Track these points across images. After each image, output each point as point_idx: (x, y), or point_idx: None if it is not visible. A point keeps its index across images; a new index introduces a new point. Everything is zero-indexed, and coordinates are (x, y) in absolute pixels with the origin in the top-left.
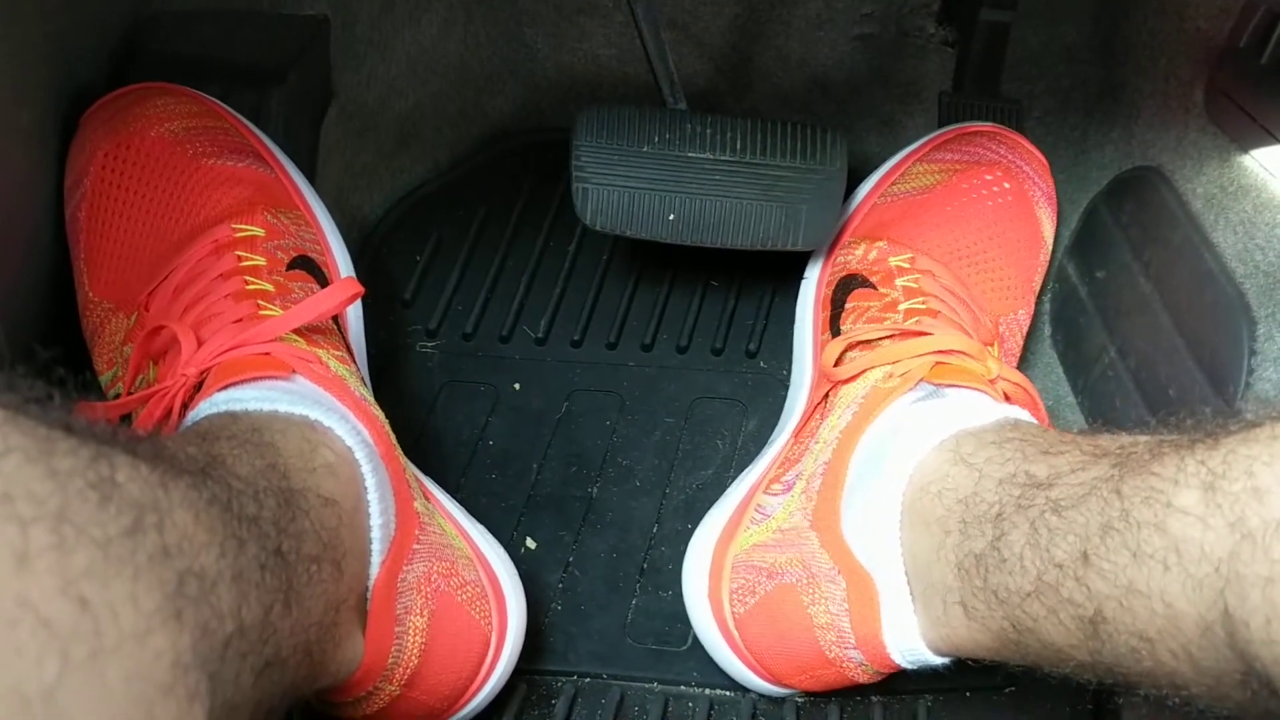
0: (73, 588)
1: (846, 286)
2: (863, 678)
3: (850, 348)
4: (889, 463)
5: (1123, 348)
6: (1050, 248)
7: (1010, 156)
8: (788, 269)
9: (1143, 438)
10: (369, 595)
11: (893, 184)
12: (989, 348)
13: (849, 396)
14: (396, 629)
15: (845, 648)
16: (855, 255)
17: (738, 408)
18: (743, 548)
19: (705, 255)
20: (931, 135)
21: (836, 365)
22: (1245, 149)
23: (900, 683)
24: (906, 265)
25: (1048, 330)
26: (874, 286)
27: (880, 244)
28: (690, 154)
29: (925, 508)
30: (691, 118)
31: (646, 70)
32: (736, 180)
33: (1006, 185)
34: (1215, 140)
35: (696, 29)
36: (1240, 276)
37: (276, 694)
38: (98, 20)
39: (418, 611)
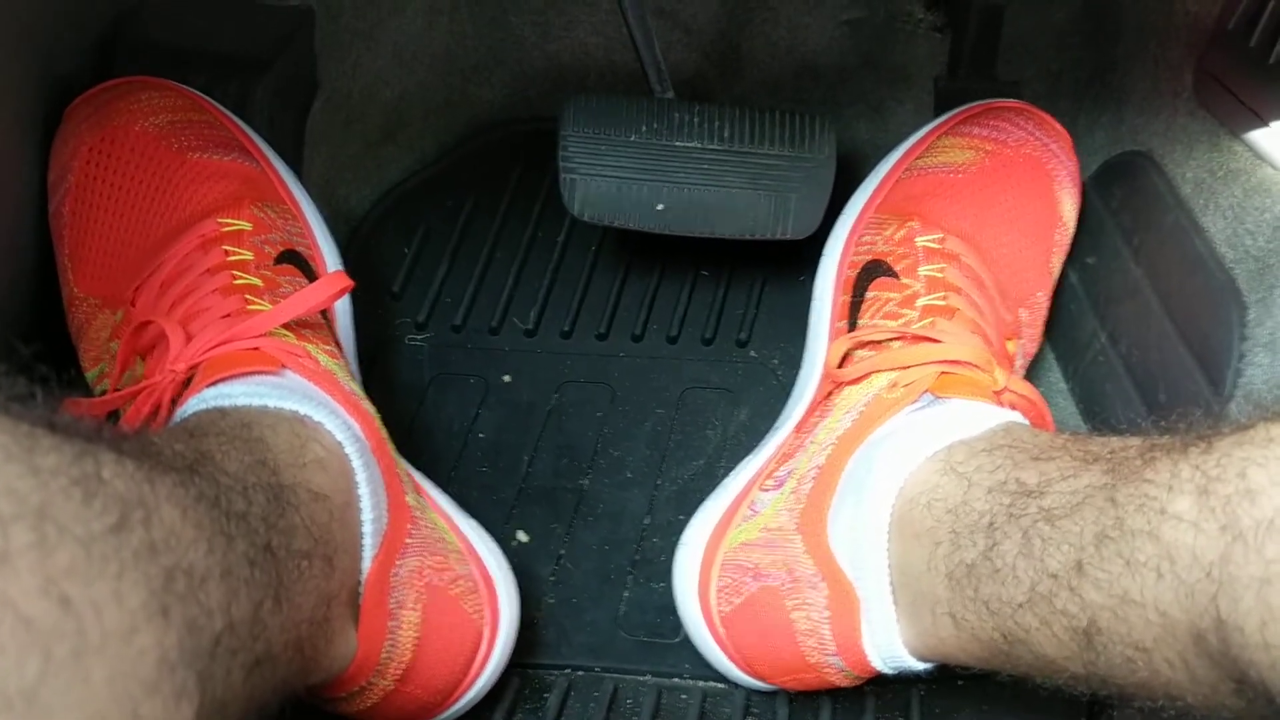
0: (54, 586)
1: (870, 273)
2: (844, 682)
3: (858, 346)
4: (879, 474)
5: (1113, 334)
6: (1072, 228)
7: (1038, 133)
8: (778, 258)
9: (1134, 440)
10: (361, 590)
11: (919, 158)
12: (1009, 341)
13: (850, 400)
14: (389, 624)
15: (826, 654)
16: (883, 235)
17: (729, 397)
18: (732, 545)
19: (695, 245)
20: (959, 109)
21: (841, 365)
22: (1235, 133)
23: None
24: (935, 246)
25: None
26: (896, 275)
27: (912, 223)
28: (678, 143)
29: (915, 519)
30: (679, 106)
31: (634, 59)
32: (725, 169)
33: (1031, 163)
34: (1205, 124)
35: (684, 16)
36: (1230, 261)
37: (268, 691)
38: (80, 11)
39: (410, 606)
